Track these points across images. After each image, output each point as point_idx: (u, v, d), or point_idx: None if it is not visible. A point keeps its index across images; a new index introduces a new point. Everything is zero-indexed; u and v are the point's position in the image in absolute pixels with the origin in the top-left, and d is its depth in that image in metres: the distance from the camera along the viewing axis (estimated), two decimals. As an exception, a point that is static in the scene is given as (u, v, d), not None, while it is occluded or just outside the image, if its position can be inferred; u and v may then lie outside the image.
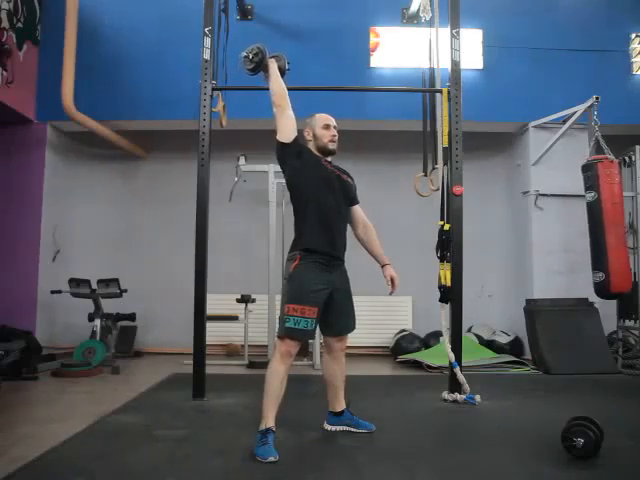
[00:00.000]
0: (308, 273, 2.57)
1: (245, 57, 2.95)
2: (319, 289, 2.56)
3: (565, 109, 5.25)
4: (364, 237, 2.91)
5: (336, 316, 2.70)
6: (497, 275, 6.22)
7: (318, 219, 2.62)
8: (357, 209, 2.91)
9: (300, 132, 2.78)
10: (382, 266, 2.88)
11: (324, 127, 2.77)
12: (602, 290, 4.55)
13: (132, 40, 5.58)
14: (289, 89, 2.89)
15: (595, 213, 4.57)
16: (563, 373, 4.67)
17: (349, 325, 2.77)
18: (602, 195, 4.50)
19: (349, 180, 2.83)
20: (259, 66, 2.93)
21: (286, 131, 2.69)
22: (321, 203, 2.64)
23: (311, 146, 2.77)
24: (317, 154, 2.75)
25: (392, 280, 2.82)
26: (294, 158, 2.69)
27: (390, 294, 2.88)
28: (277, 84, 2.82)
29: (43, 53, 5.60)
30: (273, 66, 2.90)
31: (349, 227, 2.87)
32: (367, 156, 6.25)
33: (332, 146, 2.77)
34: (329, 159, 2.80)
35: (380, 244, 2.93)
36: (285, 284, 2.64)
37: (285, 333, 2.53)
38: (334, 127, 2.80)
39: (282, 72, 2.98)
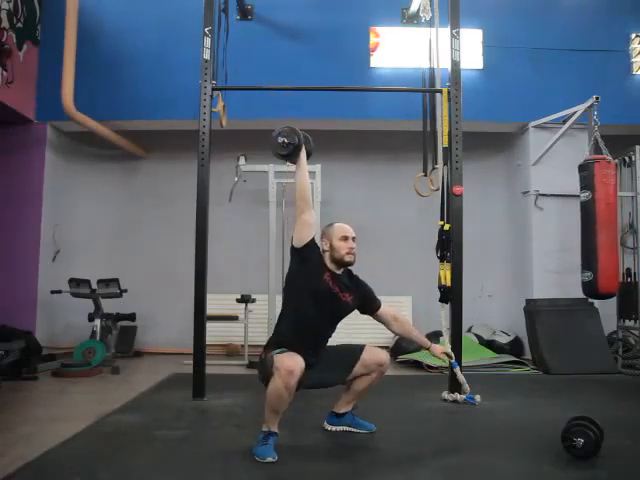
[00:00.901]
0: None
1: (281, 143, 2.71)
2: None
3: (565, 109, 5.25)
4: (401, 331, 2.93)
5: (330, 369, 2.64)
6: (497, 275, 6.22)
7: (295, 327, 2.57)
8: (383, 310, 2.86)
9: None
10: (428, 348, 2.92)
11: (342, 239, 2.65)
12: (590, 290, 4.58)
13: (132, 40, 5.58)
14: (290, 89, 2.87)
15: (588, 213, 4.58)
16: (563, 373, 4.67)
17: (350, 355, 2.70)
18: (596, 195, 4.51)
19: (348, 299, 2.68)
20: (294, 152, 2.73)
21: (299, 234, 2.60)
22: (306, 318, 2.57)
23: (327, 257, 2.66)
24: (328, 265, 2.65)
25: (446, 354, 2.97)
26: (298, 263, 2.63)
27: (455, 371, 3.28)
28: (303, 180, 2.67)
29: (43, 53, 5.60)
30: (303, 157, 2.74)
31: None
32: (367, 156, 6.26)
33: (349, 258, 2.66)
34: (340, 271, 2.68)
35: (416, 331, 2.97)
36: (264, 361, 2.50)
37: (277, 354, 2.42)
38: (352, 238, 2.68)
39: (308, 155, 2.84)
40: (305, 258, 2.61)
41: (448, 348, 3.51)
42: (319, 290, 2.60)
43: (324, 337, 2.69)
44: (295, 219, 2.64)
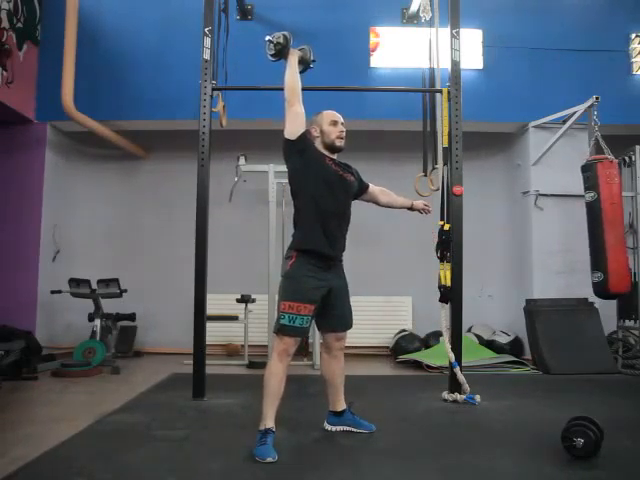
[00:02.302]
0: (305, 271, 2.57)
1: (269, 41, 2.91)
2: (315, 287, 2.57)
3: (565, 109, 5.25)
4: (388, 200, 3.09)
5: (333, 313, 2.71)
6: (497, 275, 6.22)
7: (317, 219, 2.62)
8: (371, 188, 3.01)
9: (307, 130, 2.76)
10: (411, 207, 3.13)
11: (331, 124, 2.73)
12: (601, 290, 4.55)
13: (132, 40, 5.58)
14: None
15: (594, 213, 4.57)
16: (563, 373, 4.67)
17: (346, 322, 2.78)
18: (601, 195, 4.50)
19: (352, 178, 2.81)
20: (280, 53, 2.90)
21: (291, 127, 2.66)
22: (320, 204, 2.63)
23: (318, 143, 2.74)
24: (323, 152, 2.73)
25: (426, 206, 3.14)
26: (297, 156, 2.67)
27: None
28: (291, 77, 2.79)
29: (43, 53, 5.60)
30: (293, 57, 2.87)
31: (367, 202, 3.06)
32: (367, 156, 6.22)
33: (339, 143, 2.74)
34: (335, 157, 2.77)
35: (400, 197, 3.14)
36: (282, 282, 2.64)
37: (280, 330, 2.53)
38: (342, 124, 2.77)
39: (306, 65, 2.97)
40: (303, 149, 2.67)
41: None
42: (328, 174, 2.68)
43: (345, 217, 2.75)
44: (286, 112, 2.70)
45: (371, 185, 3.02)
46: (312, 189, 2.65)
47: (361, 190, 2.96)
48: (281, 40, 2.89)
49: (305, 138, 2.68)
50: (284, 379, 2.52)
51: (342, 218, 2.73)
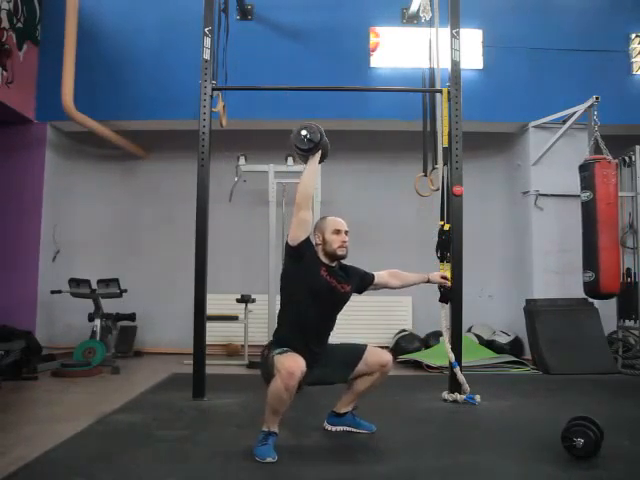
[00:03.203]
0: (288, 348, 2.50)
1: (304, 136, 2.70)
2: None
3: (565, 109, 5.25)
4: (401, 283, 3.04)
5: (332, 367, 2.66)
6: (497, 275, 6.22)
7: (298, 330, 2.58)
8: (378, 277, 2.94)
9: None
10: (428, 281, 3.12)
11: (334, 232, 2.66)
12: (591, 290, 4.57)
13: (132, 40, 5.58)
14: (290, 89, 2.88)
15: (589, 213, 4.58)
16: (563, 373, 4.67)
17: (353, 354, 2.70)
18: (597, 195, 4.51)
19: (346, 289, 2.71)
20: (312, 150, 2.72)
21: (294, 233, 2.60)
22: (305, 315, 2.58)
23: (319, 250, 2.67)
24: (322, 260, 2.66)
25: (444, 278, 3.20)
26: (293, 261, 2.64)
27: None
28: (310, 180, 2.66)
29: (43, 53, 5.60)
30: (316, 159, 2.74)
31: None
32: (367, 156, 6.25)
33: (341, 252, 2.66)
34: (334, 264, 2.69)
35: (411, 274, 3.09)
36: (268, 361, 2.51)
37: (279, 355, 2.43)
38: (345, 232, 2.69)
39: (322, 158, 2.82)
40: (301, 256, 2.62)
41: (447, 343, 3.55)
42: (318, 286, 2.61)
43: (326, 331, 2.71)
44: (293, 216, 2.64)
45: (377, 274, 2.93)
46: (299, 298, 2.60)
47: (365, 285, 2.90)
48: (316, 138, 2.70)
49: (305, 245, 2.61)
50: (288, 402, 2.40)
51: (326, 328, 2.69)
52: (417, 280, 3.11)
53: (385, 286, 2.99)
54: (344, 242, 2.68)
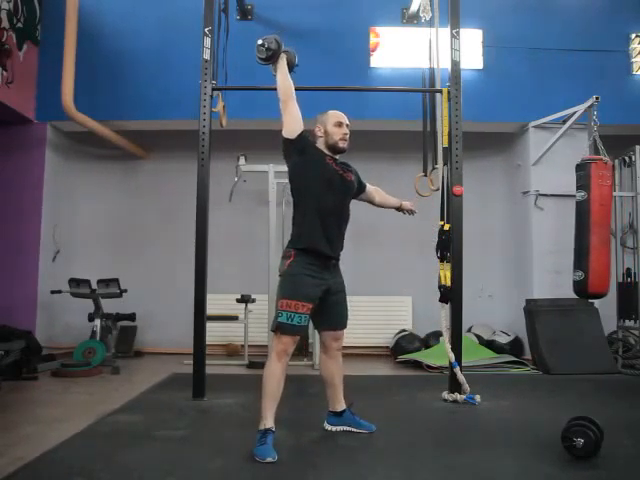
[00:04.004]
0: (303, 270, 2.58)
1: (260, 45, 2.91)
2: (314, 285, 2.58)
3: (565, 109, 5.25)
4: (381, 200, 3.13)
5: (331, 311, 2.72)
6: (497, 275, 6.22)
7: (316, 218, 2.62)
8: (368, 186, 3.04)
9: (311, 129, 2.78)
10: (400, 207, 3.18)
11: (336, 124, 2.74)
12: (580, 289, 4.58)
13: (132, 40, 5.58)
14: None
15: (582, 213, 4.58)
16: (563, 373, 4.67)
17: (343, 321, 2.78)
18: (591, 195, 4.51)
19: (352, 178, 2.81)
20: (272, 57, 2.91)
21: (289, 126, 2.68)
22: (321, 202, 2.64)
23: (321, 142, 2.75)
24: (324, 151, 2.74)
25: (411, 206, 3.21)
26: (297, 154, 2.69)
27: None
28: (283, 78, 2.82)
29: (43, 53, 5.60)
30: (283, 61, 2.90)
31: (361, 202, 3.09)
32: (367, 156, 6.21)
33: (343, 144, 2.74)
34: (336, 157, 2.77)
35: (389, 196, 3.18)
36: (280, 280, 2.65)
37: (278, 328, 2.53)
38: (346, 125, 2.77)
39: (291, 67, 3.00)
40: (302, 148, 2.68)
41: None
42: (327, 173, 2.68)
43: (344, 217, 2.75)
44: (283, 112, 2.72)
45: (367, 185, 3.06)
46: (312, 188, 2.66)
47: (360, 190, 2.98)
48: (273, 45, 2.90)
49: (304, 137, 2.69)
50: (283, 379, 2.52)
51: (341, 217, 2.74)
52: (392, 204, 3.18)
53: (370, 199, 3.08)
54: (345, 134, 2.75)
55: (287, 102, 2.72)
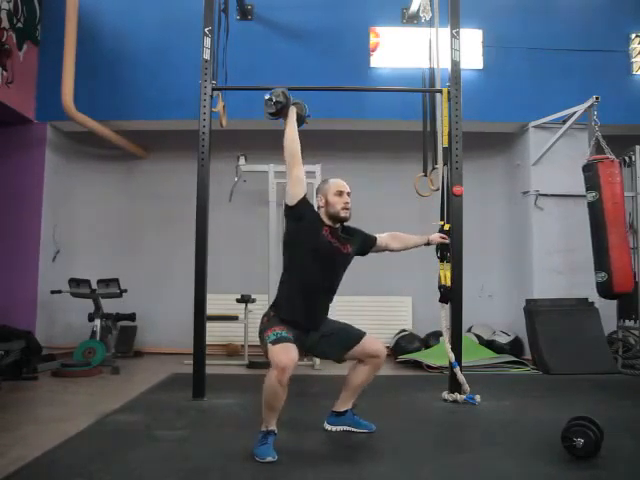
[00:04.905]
0: (281, 323, 2.54)
1: (268, 99, 2.81)
2: (293, 335, 2.51)
3: (565, 109, 5.25)
4: (402, 245, 3.11)
5: (329, 344, 2.67)
6: (497, 275, 6.22)
7: (300, 291, 2.58)
8: (380, 239, 2.98)
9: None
10: (428, 243, 3.22)
11: (337, 194, 2.68)
12: (605, 290, 4.53)
13: (132, 40, 5.58)
14: (290, 89, 2.89)
15: (596, 213, 4.55)
16: (563, 373, 4.67)
17: (350, 337, 2.71)
18: (603, 195, 4.49)
19: (348, 250, 2.73)
20: (280, 112, 2.81)
21: (291, 192, 2.63)
22: (306, 276, 2.59)
23: (323, 212, 2.69)
24: (324, 220, 2.67)
25: (443, 237, 3.32)
26: (294, 221, 2.65)
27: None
28: (291, 137, 2.72)
29: (43, 53, 5.60)
30: (292, 115, 2.81)
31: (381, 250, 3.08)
32: (367, 156, 6.25)
33: (344, 214, 2.68)
34: (337, 225, 2.70)
35: (412, 236, 3.18)
36: (260, 335, 2.59)
37: (270, 345, 2.45)
38: (347, 194, 2.71)
39: (301, 120, 2.90)
40: (301, 215, 2.63)
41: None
42: (319, 246, 2.63)
43: (329, 292, 2.72)
44: (288, 177, 2.67)
45: (379, 236, 2.97)
46: (300, 259, 2.61)
47: (368, 247, 2.93)
48: (281, 99, 2.80)
49: (303, 204, 2.63)
50: (284, 397, 2.41)
51: (328, 291, 2.70)
52: (418, 242, 3.17)
53: (386, 249, 3.03)
54: (347, 203, 2.70)
55: (292, 166, 2.65)
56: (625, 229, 4.60)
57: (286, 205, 2.67)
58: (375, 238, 2.95)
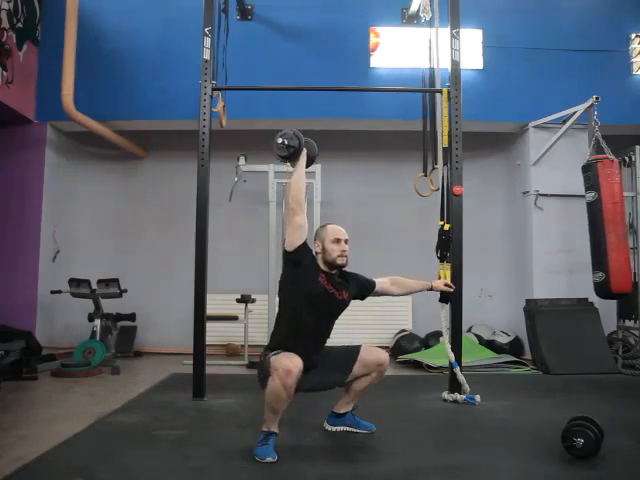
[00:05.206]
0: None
1: (280, 144, 2.75)
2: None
3: (565, 109, 5.25)
4: (403, 291, 3.05)
5: (334, 364, 2.67)
6: (497, 275, 6.22)
7: (295, 336, 2.56)
8: (380, 285, 2.92)
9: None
10: (431, 288, 3.15)
11: (334, 241, 2.65)
12: (602, 290, 4.54)
13: (132, 40, 5.58)
14: (290, 89, 2.88)
15: (595, 213, 4.56)
16: (563, 373, 4.67)
17: (348, 357, 2.70)
18: (602, 195, 4.49)
19: (344, 296, 2.69)
20: (293, 155, 2.76)
21: (290, 238, 2.60)
22: (301, 322, 2.57)
23: (319, 259, 2.67)
24: (321, 267, 2.65)
25: (447, 285, 3.26)
26: (291, 267, 2.63)
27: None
28: (299, 185, 2.66)
29: (43, 53, 5.60)
30: (303, 159, 2.76)
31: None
32: (367, 156, 6.26)
33: (341, 261, 2.65)
34: (334, 272, 2.68)
35: (414, 281, 3.09)
36: (259, 369, 2.58)
37: (273, 355, 2.45)
38: (345, 241, 2.68)
39: (312, 160, 2.86)
40: (298, 261, 2.60)
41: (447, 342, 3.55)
42: (315, 292, 2.59)
43: (324, 337, 2.70)
44: (287, 222, 2.64)
45: (378, 281, 2.91)
46: (297, 302, 2.59)
47: (366, 291, 2.88)
48: (294, 142, 2.74)
49: (302, 251, 2.60)
50: (287, 401, 2.41)
51: (323, 335, 2.68)
52: (419, 288, 3.10)
53: (386, 293, 2.97)
54: (344, 251, 2.66)
55: (295, 213, 2.60)
56: (624, 229, 4.60)
57: (284, 250, 2.63)
58: (374, 283, 2.90)
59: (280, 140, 2.75)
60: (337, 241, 2.65)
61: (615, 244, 4.45)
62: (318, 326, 2.63)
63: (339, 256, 2.64)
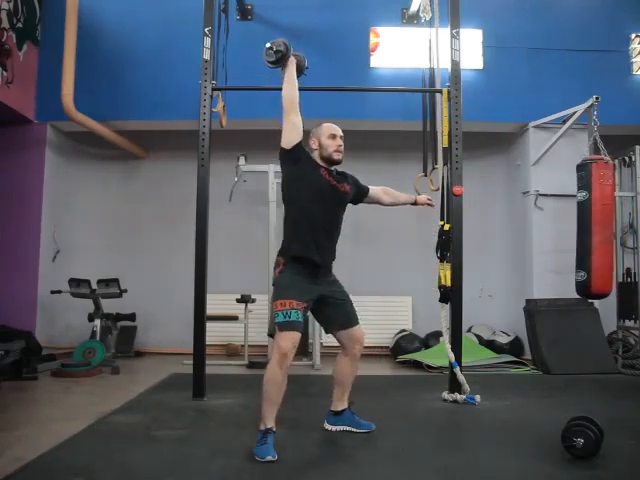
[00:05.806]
0: (293, 275, 2.60)
1: (269, 48, 2.91)
2: (305, 286, 2.59)
3: (565, 109, 5.25)
4: (392, 200, 3.10)
5: (333, 313, 2.74)
6: (497, 275, 6.22)
7: (307, 229, 2.63)
8: (372, 190, 3.01)
9: (306, 139, 2.77)
10: (415, 202, 3.15)
11: (330, 137, 2.74)
12: (582, 290, 4.59)
13: (132, 40, 5.58)
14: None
15: (584, 213, 4.58)
16: (563, 373, 4.67)
17: (349, 318, 2.76)
18: (593, 195, 4.52)
19: (346, 188, 2.79)
20: (280, 60, 2.91)
21: (287, 137, 2.69)
22: (311, 214, 2.64)
23: (316, 155, 2.75)
24: (319, 163, 2.73)
25: (429, 200, 3.19)
26: (291, 165, 2.69)
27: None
28: (290, 86, 2.81)
29: (43, 53, 5.60)
30: (292, 65, 2.89)
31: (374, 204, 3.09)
32: (367, 156, 6.24)
33: (337, 156, 2.74)
34: (332, 168, 2.77)
35: (401, 193, 3.16)
36: (273, 289, 2.67)
37: (278, 328, 2.51)
38: (340, 137, 2.77)
39: (300, 69, 3.01)
40: (297, 158, 2.68)
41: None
42: (319, 184, 2.68)
43: (333, 231, 2.75)
44: (284, 122, 2.71)
45: (371, 187, 3.01)
46: (303, 199, 2.66)
47: (361, 195, 2.95)
48: (282, 48, 2.89)
49: (300, 147, 2.69)
50: (284, 385, 2.48)
51: (332, 229, 2.74)
52: (406, 200, 3.16)
53: (377, 201, 3.06)
54: (339, 146, 2.75)
55: (289, 112, 2.71)
56: (611, 232, 4.61)
57: (282, 149, 2.70)
58: (368, 188, 3.00)
59: (269, 45, 2.91)
60: (333, 137, 2.75)
61: (599, 245, 4.49)
62: (327, 217, 2.70)
63: (335, 151, 2.74)
